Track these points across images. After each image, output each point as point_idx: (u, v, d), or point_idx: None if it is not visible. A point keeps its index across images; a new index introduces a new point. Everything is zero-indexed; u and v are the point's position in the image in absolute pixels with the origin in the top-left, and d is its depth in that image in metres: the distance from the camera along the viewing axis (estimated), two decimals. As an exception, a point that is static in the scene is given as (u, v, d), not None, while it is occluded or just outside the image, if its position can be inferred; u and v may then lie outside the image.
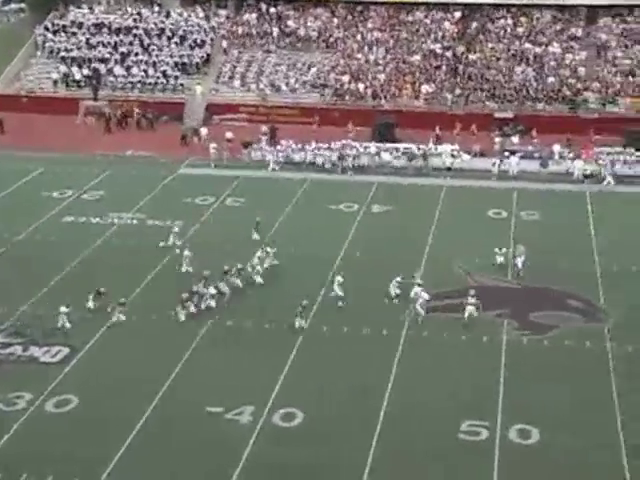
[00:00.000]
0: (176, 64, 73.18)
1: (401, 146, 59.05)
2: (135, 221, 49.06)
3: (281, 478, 28.30)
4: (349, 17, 76.68)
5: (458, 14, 75.33)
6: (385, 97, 68.60)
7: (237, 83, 71.64)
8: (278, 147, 59.26)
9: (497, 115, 65.83)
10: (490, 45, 72.36)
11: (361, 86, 69.16)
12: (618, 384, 33.05)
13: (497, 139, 60.80)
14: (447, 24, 74.62)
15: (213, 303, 38.54)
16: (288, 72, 72.10)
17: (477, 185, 54.74)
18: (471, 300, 37.61)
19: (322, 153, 58.01)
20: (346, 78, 70.09)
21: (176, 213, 49.47)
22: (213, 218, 49.63)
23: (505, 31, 73.72)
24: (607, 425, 30.69)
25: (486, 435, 30.17)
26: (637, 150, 57.55)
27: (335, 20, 76.50)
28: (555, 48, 71.31)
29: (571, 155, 57.03)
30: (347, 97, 69.09)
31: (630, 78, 67.92)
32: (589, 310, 38.95)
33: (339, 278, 39.70)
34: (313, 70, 71.92)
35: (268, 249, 42.60)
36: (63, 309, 36.70)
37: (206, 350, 35.57)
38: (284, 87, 70.54)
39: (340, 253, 44.15)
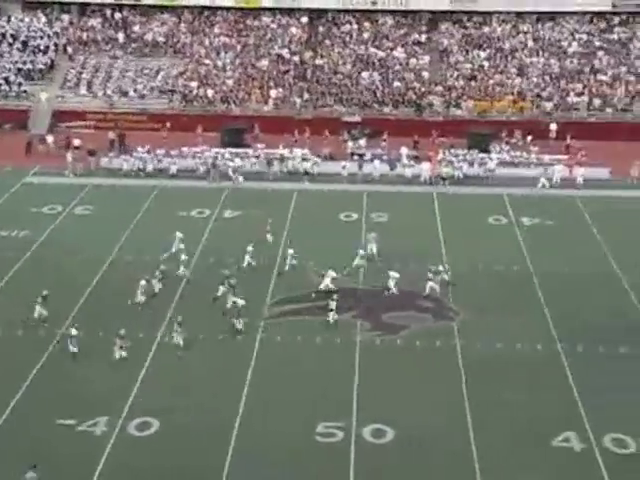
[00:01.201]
0: (19, 70, 71.26)
1: (253, 151, 59.37)
2: (-20, 232, 47.79)
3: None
4: (196, 22, 76.37)
5: (305, 19, 75.94)
6: (234, 102, 68.59)
7: (83, 89, 70.32)
8: (134, 154, 58.59)
9: (345, 119, 66.61)
10: (336, 50, 73.26)
11: (210, 91, 68.94)
12: (468, 380, 34.00)
13: (350, 143, 61.58)
14: (294, 29, 75.12)
15: None
16: (136, 78, 71.23)
17: (328, 188, 55.29)
18: (332, 304, 38.44)
19: (174, 160, 57.72)
20: (194, 83, 69.75)
21: (23, 223, 48.40)
22: (61, 227, 48.69)
23: (350, 36, 74.72)
24: (458, 421, 31.51)
25: (341, 436, 30.60)
26: (480, 151, 59.39)
27: (182, 25, 76.07)
28: (399, 53, 72.69)
29: (418, 158, 58.38)
30: (196, 102, 68.80)
31: (472, 82, 69.87)
32: (439, 310, 39.90)
33: (393, 273, 40.98)
34: (161, 76, 71.30)
35: (291, 251, 42.98)
36: (74, 332, 35.28)
37: (58, 362, 34.92)
38: (132, 93, 69.64)
39: (193, 259, 43.91)
